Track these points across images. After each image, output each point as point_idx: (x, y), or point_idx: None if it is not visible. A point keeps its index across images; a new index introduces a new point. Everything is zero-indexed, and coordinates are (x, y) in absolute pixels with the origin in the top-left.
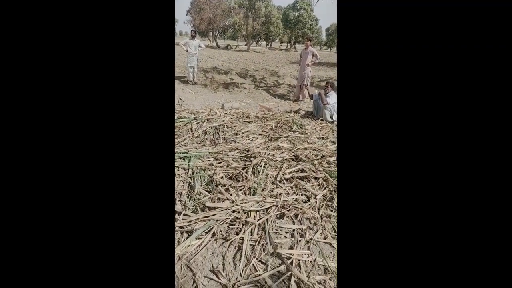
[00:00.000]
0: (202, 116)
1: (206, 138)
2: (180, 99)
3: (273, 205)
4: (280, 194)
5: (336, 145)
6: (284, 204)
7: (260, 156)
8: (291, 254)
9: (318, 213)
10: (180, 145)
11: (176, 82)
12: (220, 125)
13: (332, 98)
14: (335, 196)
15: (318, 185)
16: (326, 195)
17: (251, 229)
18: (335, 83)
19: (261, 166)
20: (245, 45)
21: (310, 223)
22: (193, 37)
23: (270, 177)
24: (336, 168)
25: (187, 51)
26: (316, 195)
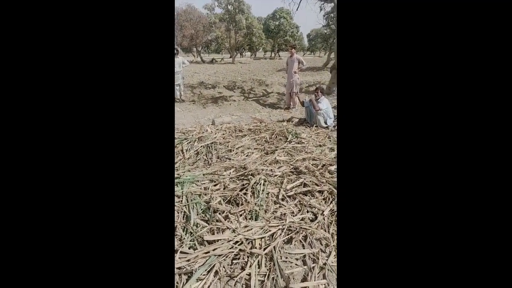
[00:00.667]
0: (192, 135)
1: (199, 159)
2: None
3: (279, 229)
4: (284, 214)
5: (335, 152)
6: (290, 226)
7: (258, 173)
8: (306, 287)
9: (329, 231)
10: None
11: None
12: (212, 143)
13: (323, 104)
14: None
15: (324, 199)
16: (333, 210)
17: (258, 261)
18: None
19: (260, 184)
20: (230, 57)
21: (322, 244)
22: (176, 55)
23: (272, 196)
24: None
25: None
26: (323, 211)
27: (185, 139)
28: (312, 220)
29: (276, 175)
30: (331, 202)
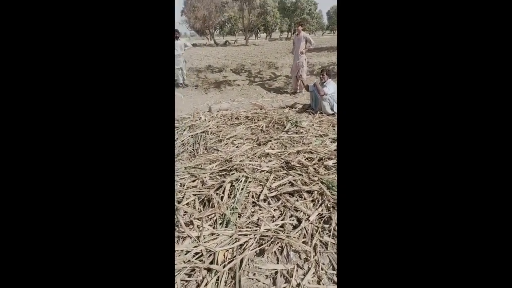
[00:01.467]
0: (184, 123)
1: (184, 150)
2: None
3: (250, 238)
4: (260, 220)
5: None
6: (265, 234)
7: (242, 168)
8: None
9: (311, 243)
10: None
11: None
12: (203, 132)
13: (330, 88)
14: (334, 216)
15: (312, 200)
16: (322, 214)
17: (218, 278)
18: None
19: (240, 182)
20: (244, 39)
21: (300, 258)
22: (177, 38)
23: (252, 196)
24: (336, 175)
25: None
26: (309, 216)
27: (176, 128)
28: (294, 227)
29: (263, 171)
30: (320, 205)
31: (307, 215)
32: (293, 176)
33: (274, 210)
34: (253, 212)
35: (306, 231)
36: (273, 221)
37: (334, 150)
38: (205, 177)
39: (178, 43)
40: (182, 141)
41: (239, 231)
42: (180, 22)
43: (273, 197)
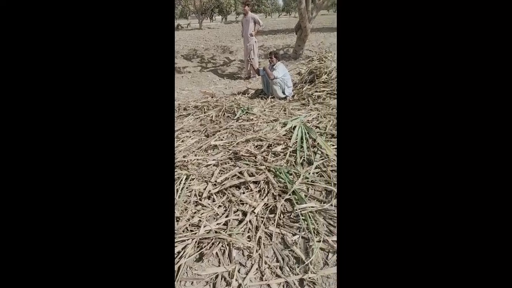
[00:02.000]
0: None
1: None
2: None
3: (187, 244)
4: (201, 220)
5: (287, 127)
6: (205, 237)
7: (186, 165)
8: None
9: (255, 237)
10: None
11: None
12: None
13: (279, 71)
14: (278, 205)
15: (259, 191)
16: (268, 204)
17: None
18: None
19: (181, 181)
20: (198, 22)
21: (244, 255)
22: None
23: (195, 195)
24: (285, 161)
25: None
26: (255, 208)
27: None
28: (240, 222)
29: (209, 165)
30: (266, 195)
31: (253, 207)
32: (240, 168)
33: (219, 206)
34: (194, 213)
35: (251, 225)
36: (216, 220)
37: (284, 135)
38: None
39: None
40: None
41: (176, 236)
42: None
43: (217, 192)
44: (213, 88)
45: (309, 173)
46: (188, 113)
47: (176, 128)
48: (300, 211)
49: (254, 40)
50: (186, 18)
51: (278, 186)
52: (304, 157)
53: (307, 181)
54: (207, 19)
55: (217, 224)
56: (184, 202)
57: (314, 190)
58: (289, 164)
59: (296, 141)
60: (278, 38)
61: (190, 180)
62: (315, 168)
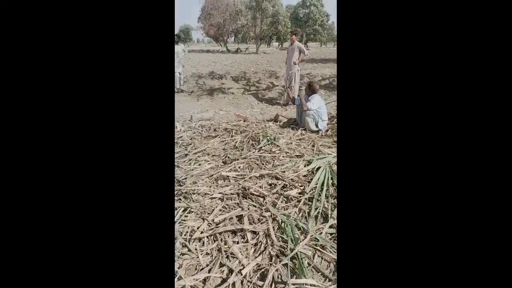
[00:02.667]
0: None
1: None
2: None
3: None
4: (177, 269)
5: (310, 167)
6: None
7: (193, 192)
8: None
9: None
10: None
11: None
12: None
13: (314, 102)
14: (272, 270)
15: (255, 244)
16: (260, 266)
17: None
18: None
19: (177, 212)
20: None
21: None
22: (176, 42)
23: (185, 234)
24: (297, 209)
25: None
26: (244, 267)
27: None
28: (222, 282)
29: (214, 198)
30: (261, 252)
31: (242, 265)
32: (242, 209)
33: (206, 254)
34: (177, 258)
35: None
36: (196, 273)
37: (304, 176)
38: None
39: (177, 48)
40: None
41: None
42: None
43: (209, 236)
44: (249, 112)
45: (321, 233)
46: (216, 134)
47: (199, 149)
48: None
49: (296, 69)
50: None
51: (279, 242)
52: (320, 210)
53: (315, 244)
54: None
55: (195, 280)
56: None
57: (322, 258)
58: (300, 215)
59: (316, 187)
60: (328, 67)
61: (188, 213)
62: (330, 227)
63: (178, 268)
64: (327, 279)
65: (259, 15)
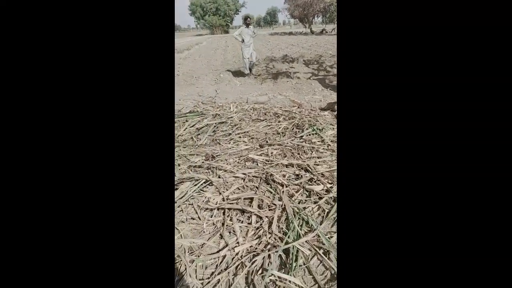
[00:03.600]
0: (209, 111)
1: (191, 138)
2: (216, 90)
3: None
4: (180, 230)
5: None
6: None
7: (220, 168)
8: None
9: (211, 276)
10: None
11: (230, 74)
12: (221, 123)
13: None
14: (259, 258)
15: (257, 228)
16: (253, 248)
17: None
18: None
19: (199, 184)
20: None
21: None
22: (248, 25)
23: (198, 206)
24: (316, 207)
25: (242, 41)
26: (235, 247)
27: (202, 113)
28: (217, 251)
29: (237, 177)
30: (259, 237)
31: (238, 243)
32: (256, 193)
33: (212, 224)
34: (181, 221)
35: (223, 260)
36: (196, 238)
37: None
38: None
39: (247, 32)
40: (199, 128)
41: None
42: (280, 10)
43: (220, 209)
44: (309, 98)
45: (330, 237)
46: (264, 118)
47: (242, 131)
48: (272, 280)
49: None
50: (333, 23)
51: (279, 234)
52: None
53: (319, 247)
54: None
55: (193, 242)
56: (185, 206)
57: (321, 262)
58: (317, 213)
59: None
60: None
61: (209, 185)
62: None
63: (183, 229)
64: (317, 285)
65: None
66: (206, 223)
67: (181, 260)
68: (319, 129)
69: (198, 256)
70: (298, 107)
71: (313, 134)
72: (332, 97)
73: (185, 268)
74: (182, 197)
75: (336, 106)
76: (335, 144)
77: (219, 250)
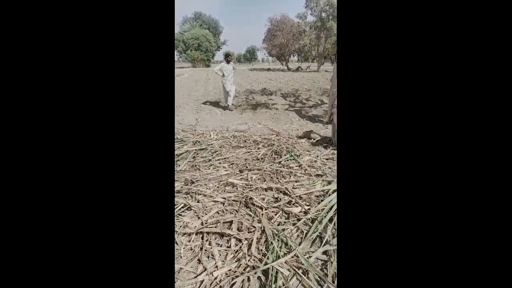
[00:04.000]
0: (189, 138)
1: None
2: (197, 119)
3: None
4: None
5: (328, 188)
6: None
7: (199, 193)
8: None
9: None
10: None
11: (211, 104)
12: (201, 149)
13: None
14: (239, 280)
15: (235, 251)
16: (233, 272)
17: None
18: None
19: (178, 208)
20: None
21: None
22: (228, 61)
23: (180, 227)
24: (295, 228)
25: (223, 75)
26: (213, 271)
27: (182, 140)
28: (195, 277)
29: (216, 201)
30: (238, 260)
31: (216, 267)
32: (235, 216)
33: (190, 249)
34: None
35: (200, 285)
36: (176, 262)
37: (317, 197)
38: None
39: (227, 67)
40: (179, 155)
41: None
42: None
43: (198, 233)
44: (286, 127)
45: (308, 257)
46: (244, 145)
47: (222, 157)
48: None
49: None
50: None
51: (259, 255)
52: (319, 233)
53: (296, 265)
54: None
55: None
56: None
57: (300, 282)
58: (296, 234)
59: (323, 210)
60: None
61: (187, 209)
62: (323, 253)
63: None
64: None
65: (323, 34)
66: (184, 248)
67: None
68: (297, 155)
69: (176, 280)
70: (277, 135)
71: (290, 159)
72: (308, 126)
73: None
74: None
75: (311, 134)
76: (312, 169)
77: (197, 275)
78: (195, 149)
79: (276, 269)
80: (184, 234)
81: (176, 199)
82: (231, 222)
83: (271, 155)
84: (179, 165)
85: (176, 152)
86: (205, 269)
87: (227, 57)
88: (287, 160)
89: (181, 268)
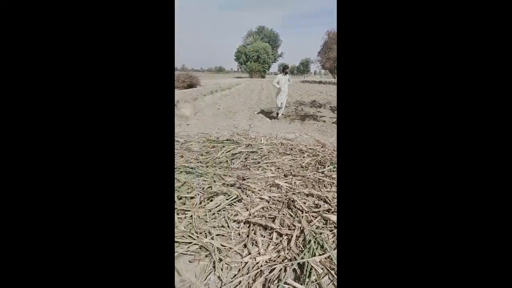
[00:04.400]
0: (243, 141)
1: (226, 161)
2: (250, 125)
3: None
4: (210, 234)
5: None
6: (203, 245)
7: (247, 188)
8: None
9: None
10: (194, 162)
11: (263, 112)
12: (252, 152)
13: None
14: (278, 267)
15: (276, 244)
16: (273, 261)
17: None
18: None
19: (231, 198)
20: None
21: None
22: (286, 73)
23: (228, 217)
24: (331, 234)
25: (279, 88)
26: (256, 256)
27: (236, 142)
28: (242, 256)
29: (262, 198)
30: (279, 251)
31: (259, 253)
32: (278, 213)
33: (238, 234)
34: (217, 228)
35: (244, 265)
36: (225, 240)
37: None
38: (210, 184)
39: (284, 79)
40: (234, 154)
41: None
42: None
43: (246, 222)
44: (332, 141)
45: None
46: (290, 153)
47: (270, 161)
48: None
49: None
50: None
51: (296, 250)
52: None
53: (329, 266)
54: None
55: (222, 245)
56: (217, 215)
57: (331, 282)
58: (330, 240)
59: None
60: None
61: (238, 201)
62: None
63: (214, 236)
64: None
65: None
66: (234, 232)
67: (211, 257)
68: None
69: (226, 256)
70: (322, 147)
71: (333, 170)
72: None
73: (214, 264)
74: (216, 207)
75: None
76: None
77: (243, 257)
78: (247, 151)
79: (311, 265)
80: (235, 221)
81: (231, 189)
82: (274, 218)
83: (315, 165)
84: (234, 163)
85: (231, 152)
86: (250, 253)
87: (285, 69)
88: (330, 171)
89: (230, 248)
